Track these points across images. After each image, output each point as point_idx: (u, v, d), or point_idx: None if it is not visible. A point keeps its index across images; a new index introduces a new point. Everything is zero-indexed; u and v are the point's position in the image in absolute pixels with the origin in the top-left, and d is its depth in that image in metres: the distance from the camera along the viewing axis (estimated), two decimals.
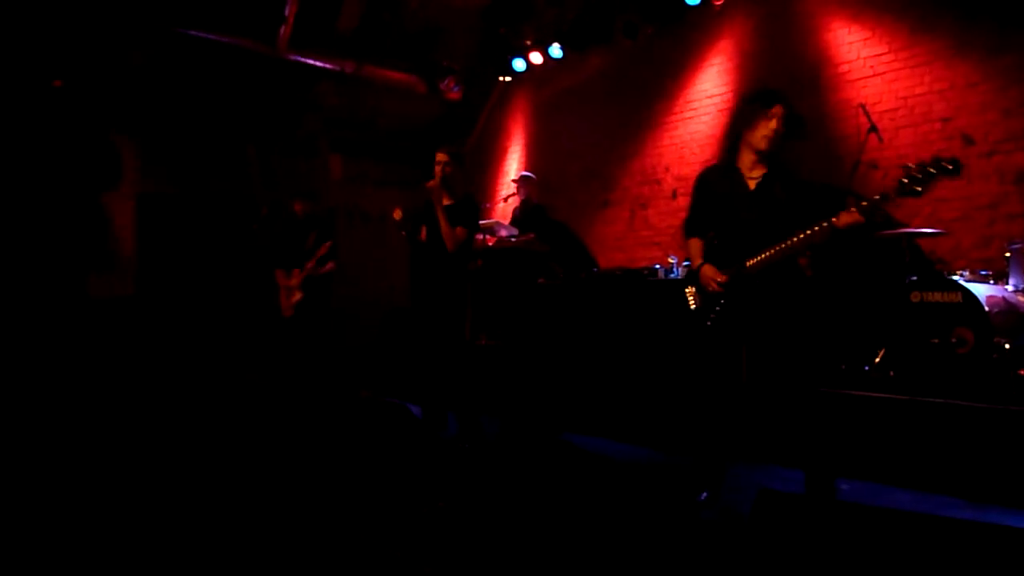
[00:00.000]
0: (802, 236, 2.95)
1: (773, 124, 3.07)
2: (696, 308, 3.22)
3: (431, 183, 4.28)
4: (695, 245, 3.33)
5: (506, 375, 5.58)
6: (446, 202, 4.35)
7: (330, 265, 5.68)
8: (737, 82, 6.70)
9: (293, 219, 5.76)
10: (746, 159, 3.17)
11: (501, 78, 8.73)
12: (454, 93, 8.64)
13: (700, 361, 3.18)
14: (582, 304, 6.05)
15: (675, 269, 5.88)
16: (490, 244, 6.66)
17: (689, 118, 7.13)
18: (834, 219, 2.87)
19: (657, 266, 6.05)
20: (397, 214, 4.33)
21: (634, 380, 4.88)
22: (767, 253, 3.04)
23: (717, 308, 3.13)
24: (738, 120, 3.18)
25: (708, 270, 3.17)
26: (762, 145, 3.10)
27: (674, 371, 4.77)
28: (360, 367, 6.96)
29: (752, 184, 3.14)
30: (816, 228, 2.91)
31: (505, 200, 7.62)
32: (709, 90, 6.95)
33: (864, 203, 2.84)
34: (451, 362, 4.30)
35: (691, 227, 3.36)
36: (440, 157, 4.34)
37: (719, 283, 3.14)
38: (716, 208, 3.22)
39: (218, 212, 7.68)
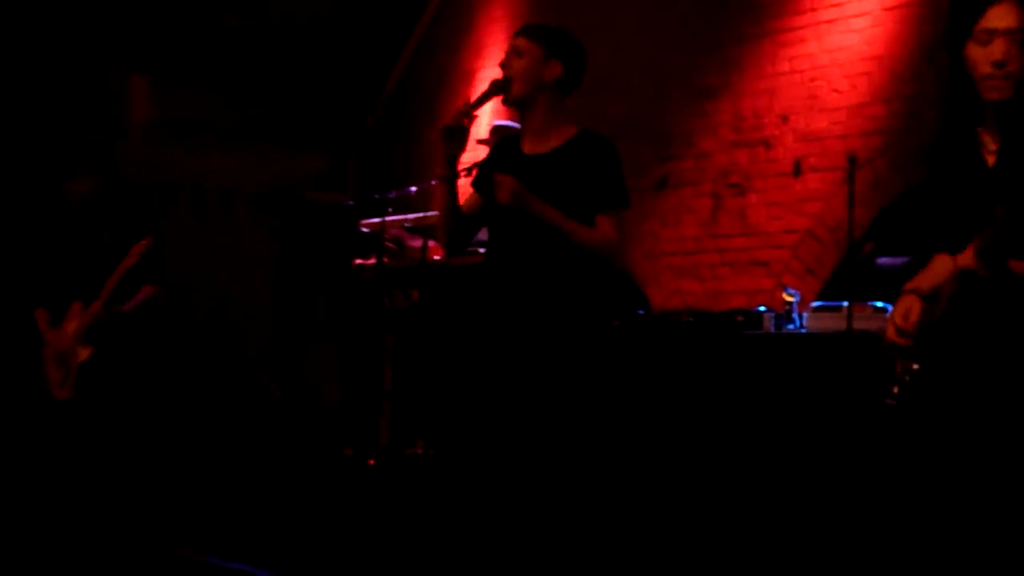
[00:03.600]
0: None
1: (997, 49, 3.16)
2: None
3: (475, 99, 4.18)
4: (942, 263, 3.37)
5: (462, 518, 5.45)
6: (535, 148, 4.24)
7: (145, 290, 5.85)
8: None
9: (61, 208, 5.98)
10: (989, 116, 3.29)
11: None
12: None
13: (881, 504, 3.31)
14: (617, 378, 6.01)
15: (796, 314, 5.94)
16: (437, 258, 6.73)
17: (828, 22, 7.16)
18: None
19: (762, 308, 6.11)
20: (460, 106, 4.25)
21: (722, 538, 4.91)
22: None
23: (905, 379, 3.29)
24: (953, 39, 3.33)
25: (907, 303, 3.30)
26: (984, 89, 3.22)
27: (812, 524, 4.76)
28: (179, 490, 6.98)
29: (991, 159, 3.26)
30: None
31: (468, 173, 7.56)
32: None
33: None
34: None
35: (946, 236, 3.41)
36: (513, 42, 4.25)
37: (903, 332, 3.26)
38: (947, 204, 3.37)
39: None
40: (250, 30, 9.30)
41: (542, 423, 4.02)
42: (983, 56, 3.14)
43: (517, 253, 4.16)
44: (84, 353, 5.77)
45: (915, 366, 3.25)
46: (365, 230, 7.08)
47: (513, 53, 4.19)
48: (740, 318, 5.98)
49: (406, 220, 6.81)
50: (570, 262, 4.08)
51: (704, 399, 5.85)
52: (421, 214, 6.83)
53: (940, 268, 3.31)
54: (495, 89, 4.18)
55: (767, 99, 7.36)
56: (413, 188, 7.03)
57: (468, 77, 9.42)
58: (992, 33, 3.12)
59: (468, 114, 4.15)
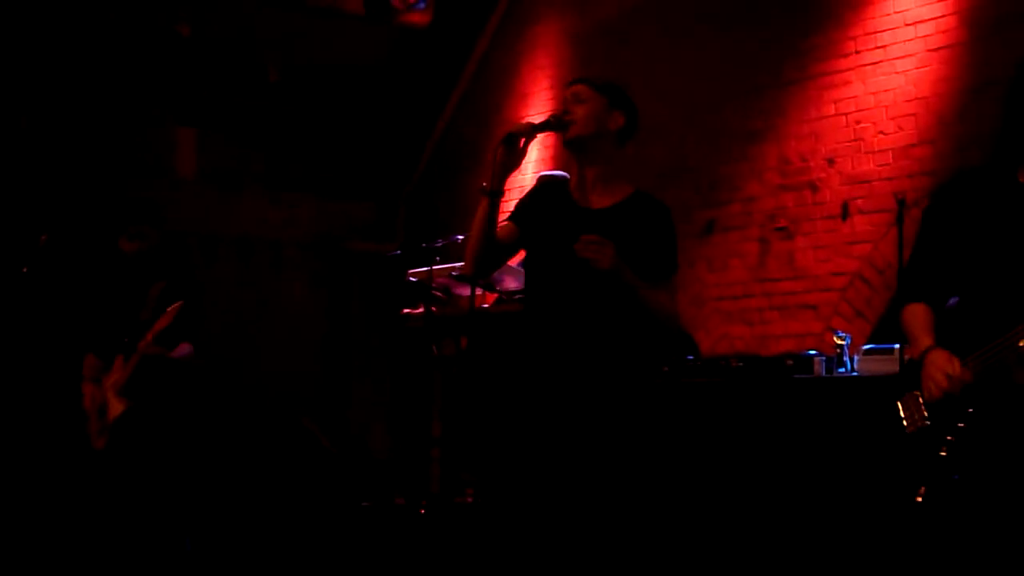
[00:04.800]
0: None
1: None
2: (917, 429, 3.38)
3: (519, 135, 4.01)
4: (917, 315, 3.52)
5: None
6: (593, 201, 4.12)
7: (183, 348, 5.80)
8: None
9: (115, 257, 5.91)
10: None
11: None
12: (417, 14, 9.08)
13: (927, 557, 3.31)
14: (668, 424, 6.06)
15: (848, 357, 5.99)
16: (485, 306, 6.81)
17: (872, 64, 7.17)
18: None
19: (812, 351, 6.19)
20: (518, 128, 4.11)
21: None
22: None
23: (957, 428, 3.28)
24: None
25: (938, 357, 3.35)
26: None
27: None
28: (224, 541, 6.93)
29: None
30: None
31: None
32: (911, 12, 6.99)
33: None
34: None
35: (914, 282, 3.59)
36: (574, 89, 4.13)
37: (953, 379, 3.30)
38: (969, 251, 3.43)
39: None
40: (294, 82, 9.31)
41: (594, 470, 3.93)
42: None
43: (564, 299, 3.99)
44: (119, 407, 5.75)
45: (943, 452, 3.26)
46: (413, 279, 7.08)
47: (573, 99, 4.07)
48: (790, 362, 5.99)
49: (453, 268, 6.81)
50: (619, 309, 3.97)
51: (756, 444, 5.84)
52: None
53: (921, 317, 3.45)
54: (556, 124, 4.04)
55: (812, 142, 7.38)
56: (460, 237, 6.97)
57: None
58: None
59: (530, 133, 4.03)
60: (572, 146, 4.08)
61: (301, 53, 9.30)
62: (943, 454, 3.25)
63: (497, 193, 4.03)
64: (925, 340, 3.40)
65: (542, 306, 4.10)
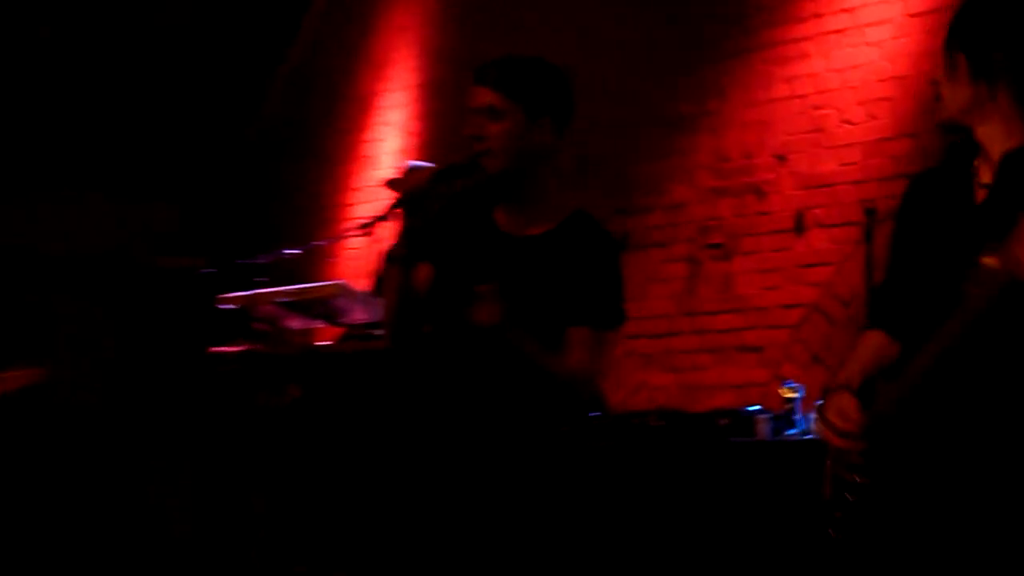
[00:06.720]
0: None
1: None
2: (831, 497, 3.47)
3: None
4: (866, 345, 3.54)
5: None
6: (519, 227, 4.27)
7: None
8: None
9: None
10: (987, 146, 3.37)
11: None
12: None
13: None
14: (567, 497, 5.97)
15: (800, 414, 6.03)
16: (327, 343, 7.02)
17: (836, 34, 7.36)
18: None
19: (755, 407, 6.21)
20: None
21: None
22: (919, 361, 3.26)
23: (848, 493, 3.38)
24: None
25: (840, 401, 3.40)
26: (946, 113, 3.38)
27: None
28: None
29: (981, 195, 3.36)
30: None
31: (368, 231, 7.70)
32: None
33: None
34: None
35: (879, 303, 3.63)
36: (482, 98, 4.13)
37: (846, 430, 3.35)
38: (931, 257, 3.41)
39: None
40: (71, 48, 9.32)
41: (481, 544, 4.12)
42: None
43: (467, 344, 4.24)
44: None
45: (858, 479, 3.33)
46: (227, 306, 6.99)
47: (484, 113, 4.12)
48: (725, 421, 6.00)
49: (282, 293, 6.77)
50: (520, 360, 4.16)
51: (678, 524, 5.82)
52: (303, 286, 6.86)
53: (869, 350, 3.46)
54: (470, 166, 4.17)
55: (758, 133, 7.52)
56: (294, 250, 6.94)
57: (365, 104, 9.74)
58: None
59: (437, 183, 4.19)
60: (498, 183, 4.21)
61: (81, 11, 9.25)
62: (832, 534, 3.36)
63: (411, 258, 4.25)
64: (842, 375, 3.43)
65: (442, 347, 4.40)
